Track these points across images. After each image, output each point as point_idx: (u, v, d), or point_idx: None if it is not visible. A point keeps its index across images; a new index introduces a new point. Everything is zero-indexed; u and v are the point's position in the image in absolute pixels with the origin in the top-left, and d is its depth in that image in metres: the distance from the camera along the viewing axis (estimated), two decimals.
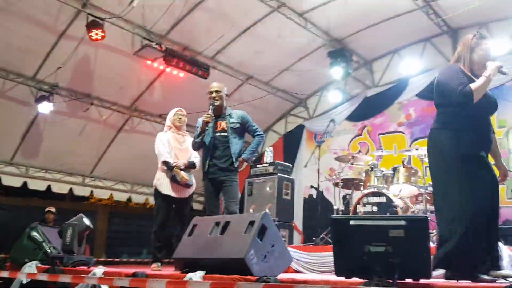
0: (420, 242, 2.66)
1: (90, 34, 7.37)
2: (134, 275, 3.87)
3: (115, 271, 4.23)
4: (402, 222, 2.69)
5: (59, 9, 7.60)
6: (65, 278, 4.03)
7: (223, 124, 5.08)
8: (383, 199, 6.23)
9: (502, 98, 8.61)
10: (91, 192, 10.92)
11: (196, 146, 5.17)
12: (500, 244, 4.74)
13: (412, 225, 2.68)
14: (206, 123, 4.94)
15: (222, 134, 5.05)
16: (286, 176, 7.87)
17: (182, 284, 3.14)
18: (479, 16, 8.79)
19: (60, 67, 8.28)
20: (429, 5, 8.49)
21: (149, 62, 8.63)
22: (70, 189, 10.55)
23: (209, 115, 4.93)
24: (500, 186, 8.44)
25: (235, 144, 5.05)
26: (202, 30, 8.79)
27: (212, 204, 5.10)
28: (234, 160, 4.99)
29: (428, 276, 2.71)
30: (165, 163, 5.32)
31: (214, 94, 5.06)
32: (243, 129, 5.18)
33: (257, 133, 5.23)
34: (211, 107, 4.99)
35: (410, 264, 2.66)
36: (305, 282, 3.24)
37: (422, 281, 2.71)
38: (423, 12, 8.57)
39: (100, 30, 7.36)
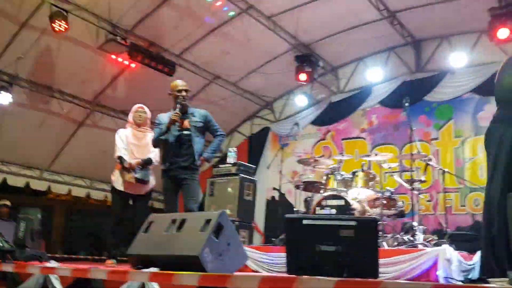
0: (369, 243, 2.72)
1: (53, 25, 7.21)
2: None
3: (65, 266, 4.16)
4: (353, 223, 2.76)
5: None
6: (7, 267, 3.95)
7: (186, 122, 5.06)
8: (341, 202, 6.33)
9: (459, 110, 8.95)
10: (49, 186, 10.65)
11: (158, 144, 5.11)
12: (450, 249, 4.91)
13: (362, 226, 2.74)
14: (173, 121, 4.92)
15: (185, 132, 5.02)
16: (249, 177, 7.90)
17: (122, 274, 3.13)
18: (441, 29, 9.10)
19: (21, 57, 8.06)
20: (393, 16, 8.70)
21: (113, 56, 8.50)
22: (27, 183, 10.26)
23: (177, 114, 4.91)
24: (454, 194, 8.77)
25: (198, 143, 5.04)
26: (169, 27, 8.72)
27: (171, 202, 5.07)
28: (196, 158, 4.98)
29: (376, 276, 2.78)
30: (120, 158, 5.27)
31: (184, 93, 5.05)
32: (205, 128, 5.18)
33: (219, 133, 5.24)
34: (179, 105, 4.96)
35: (359, 263, 2.72)
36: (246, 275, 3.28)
37: (369, 280, 2.77)
38: (388, 22, 8.77)
39: (63, 22, 7.20)
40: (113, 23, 8.14)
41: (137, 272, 3.19)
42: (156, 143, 5.11)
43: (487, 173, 3.33)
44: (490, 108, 8.60)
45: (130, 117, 5.59)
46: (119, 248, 5.34)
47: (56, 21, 7.17)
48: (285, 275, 3.38)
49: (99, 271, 3.24)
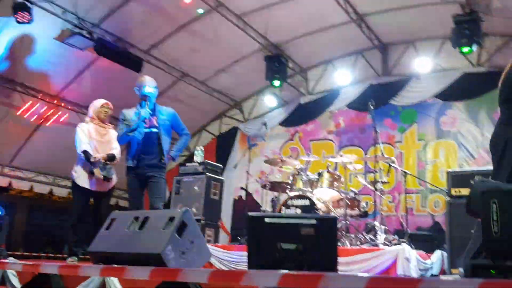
0: (328, 241, 2.77)
1: (16, 16, 7.02)
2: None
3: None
4: (313, 221, 2.80)
5: None
6: None
7: (153, 120, 5.01)
8: (307, 202, 6.40)
9: (423, 113, 9.18)
10: (10, 182, 10.37)
11: (125, 141, 5.02)
12: (409, 248, 5.04)
13: (322, 224, 2.79)
14: (144, 118, 4.86)
15: (153, 130, 4.97)
16: (216, 176, 7.89)
17: (74, 269, 3.09)
18: (408, 34, 9.30)
19: None
20: (362, 19, 8.84)
21: (79, 50, 8.33)
22: None
23: (148, 111, 4.86)
24: (415, 195, 8.99)
25: (165, 141, 5.00)
26: (137, 22, 8.62)
27: (136, 200, 5.01)
28: (162, 157, 4.94)
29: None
30: (85, 152, 5.17)
31: (153, 90, 5.00)
32: (172, 127, 5.14)
33: (185, 132, 5.22)
34: (148, 102, 4.89)
35: (319, 261, 2.76)
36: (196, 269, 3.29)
37: (314, 273, 2.82)
38: (356, 26, 8.91)
39: (27, 13, 7.03)
40: (80, 17, 7.98)
41: (88, 267, 3.16)
42: (123, 140, 5.03)
43: (492, 174, 3.40)
44: (452, 113, 8.90)
45: (92, 112, 5.48)
46: (80, 246, 5.25)
47: (20, 12, 6.99)
48: None
49: (50, 266, 3.18)
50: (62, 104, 9.79)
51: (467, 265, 3.08)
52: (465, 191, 5.15)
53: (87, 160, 5.17)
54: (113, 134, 5.46)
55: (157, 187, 4.94)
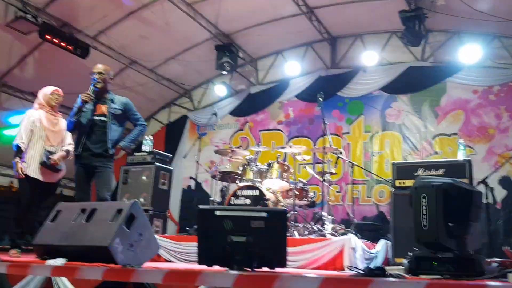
0: (278, 233, 2.82)
1: None
2: None
3: None
4: (263, 214, 2.84)
5: None
6: None
7: (103, 108, 4.89)
8: (256, 193, 6.46)
9: (369, 105, 9.44)
10: None
11: (71, 126, 4.87)
12: (355, 238, 5.21)
13: (272, 217, 2.84)
14: (84, 102, 4.74)
15: (101, 118, 4.86)
16: (164, 166, 7.80)
17: (23, 268, 3.00)
18: (356, 28, 9.51)
19: None
20: (312, 12, 8.95)
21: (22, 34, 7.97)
22: None
23: (88, 95, 4.73)
24: (361, 186, 9.24)
25: (113, 131, 4.89)
26: (84, 7, 8.32)
27: (82, 190, 4.89)
28: (110, 146, 4.84)
29: (284, 265, 2.89)
30: (17, 147, 5.03)
31: (97, 76, 4.86)
32: (125, 116, 5.04)
33: (140, 122, 5.13)
34: (91, 87, 4.78)
35: (268, 253, 2.82)
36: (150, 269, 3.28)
37: (277, 269, 2.88)
38: (306, 18, 9.01)
39: None
40: (24, 0, 7.63)
41: (39, 266, 3.06)
42: (69, 125, 4.88)
43: None
44: (397, 106, 9.20)
45: (42, 99, 5.29)
46: (23, 237, 5.09)
47: None
48: (196, 265, 3.41)
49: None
50: (4, 90, 9.35)
51: (411, 257, 3.24)
52: (409, 182, 5.37)
53: (16, 156, 5.02)
54: (63, 123, 5.31)
55: (103, 177, 4.83)
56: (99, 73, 4.90)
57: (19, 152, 5.03)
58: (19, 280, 3.27)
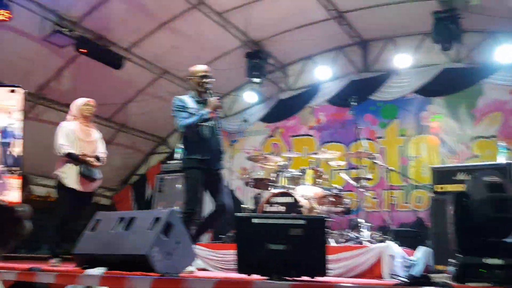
0: (317, 241, 2.78)
1: None
2: (30, 269, 3.68)
3: (6, 266, 4.00)
4: (302, 222, 2.81)
5: None
6: None
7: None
8: (290, 200, 6.40)
9: (403, 109, 9.28)
10: None
11: (191, 131, 4.57)
12: (394, 245, 5.10)
13: (310, 224, 2.80)
14: (216, 107, 4.51)
15: (213, 122, 4.67)
16: None
17: (71, 278, 3.04)
18: (387, 31, 9.39)
19: None
20: (342, 16, 8.89)
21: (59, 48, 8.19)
22: None
23: (219, 100, 4.53)
24: (398, 192, 9.08)
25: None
26: (118, 20, 8.49)
27: (199, 196, 4.61)
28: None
29: (324, 273, 2.84)
30: (69, 155, 5.10)
31: (207, 79, 4.67)
32: None
33: None
34: (208, 91, 4.59)
35: (307, 262, 2.78)
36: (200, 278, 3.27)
37: (317, 278, 2.83)
38: (336, 22, 8.95)
39: (6, 11, 6.87)
40: (60, 14, 7.84)
41: (86, 275, 3.10)
42: (189, 131, 4.57)
43: None
44: (432, 108, 9.02)
45: (75, 111, 5.38)
46: (62, 246, 5.18)
47: None
48: (235, 273, 3.40)
49: (46, 275, 3.12)
50: (41, 102, 9.61)
51: (457, 263, 3.12)
52: (448, 187, 5.23)
53: (75, 160, 5.09)
54: (96, 134, 5.40)
55: (222, 184, 4.74)
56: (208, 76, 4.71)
57: (73, 156, 5.09)
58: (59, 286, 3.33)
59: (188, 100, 4.67)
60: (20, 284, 4.07)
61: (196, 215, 4.56)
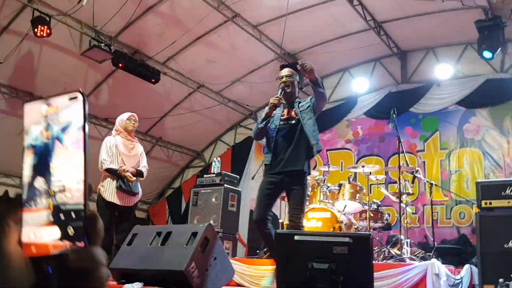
0: (363, 259, 2.63)
1: (35, 30, 7.03)
2: None
3: None
4: (347, 239, 2.66)
5: (4, 2, 7.21)
6: None
7: (291, 112, 4.64)
8: (327, 215, 6.24)
9: (445, 121, 8.97)
10: None
11: (261, 135, 4.64)
12: (438, 262, 4.86)
13: (356, 242, 2.65)
14: (273, 105, 4.42)
15: (292, 122, 4.60)
16: (233, 187, 7.78)
17: None
18: (427, 41, 9.16)
19: (1, 63, 7.84)
20: (380, 26, 8.71)
21: (97, 63, 8.32)
22: (6, 191, 9.91)
23: (278, 98, 4.42)
24: (440, 207, 8.74)
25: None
26: (154, 34, 8.60)
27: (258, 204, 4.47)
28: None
29: None
30: (108, 170, 5.12)
31: (284, 79, 4.62)
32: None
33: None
34: (280, 90, 4.51)
35: (353, 281, 2.63)
36: None
37: None
38: (374, 33, 8.78)
39: (46, 27, 7.02)
40: (97, 30, 7.99)
41: None
42: (259, 134, 4.64)
43: None
44: (475, 120, 8.68)
45: (119, 125, 5.43)
46: None
47: (39, 26, 6.99)
48: None
49: None
50: None
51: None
52: (496, 203, 4.96)
53: (114, 174, 5.12)
54: (139, 148, 5.42)
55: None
56: (287, 75, 4.69)
57: (112, 170, 5.13)
58: None
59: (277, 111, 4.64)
60: None
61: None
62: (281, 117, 4.59)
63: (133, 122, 5.41)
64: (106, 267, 0.69)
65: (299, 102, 4.67)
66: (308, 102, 4.64)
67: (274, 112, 4.51)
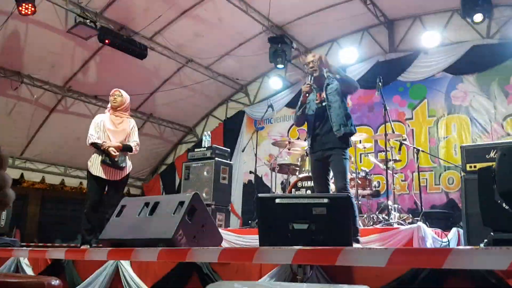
0: (341, 220, 2.71)
1: (19, 8, 6.96)
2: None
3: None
4: (325, 200, 2.74)
5: None
6: None
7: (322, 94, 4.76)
8: None
9: (433, 89, 9.02)
10: (22, 174, 10.41)
11: (301, 122, 4.88)
12: (424, 226, 4.98)
13: (334, 203, 2.73)
14: (306, 92, 4.62)
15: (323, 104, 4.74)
16: (224, 160, 7.85)
17: (80, 253, 3.08)
18: (414, 9, 9.12)
19: None
20: None
21: (83, 40, 8.27)
22: None
23: (308, 85, 4.60)
24: (428, 173, 8.84)
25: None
26: (139, 9, 8.52)
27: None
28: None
29: None
30: (93, 144, 5.18)
31: (311, 64, 4.71)
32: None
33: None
34: (309, 76, 4.68)
35: (332, 241, 2.71)
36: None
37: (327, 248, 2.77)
38: (361, 2, 8.74)
39: (30, 5, 6.96)
40: (82, 6, 7.91)
41: (95, 250, 3.15)
42: (297, 121, 4.89)
43: None
44: (463, 87, 8.73)
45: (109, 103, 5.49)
46: (94, 235, 5.25)
47: (23, 4, 6.92)
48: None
49: (57, 251, 3.19)
50: (69, 95, 9.77)
51: (489, 240, 3.02)
52: (480, 166, 5.03)
53: (98, 149, 5.17)
54: (129, 123, 5.43)
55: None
56: (312, 61, 4.75)
57: (96, 145, 5.17)
58: (88, 272, 3.37)
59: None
60: (49, 269, 4.15)
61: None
62: (316, 102, 4.76)
63: (115, 97, 5.40)
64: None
65: (328, 85, 4.79)
66: (336, 85, 4.76)
67: (309, 98, 4.74)
